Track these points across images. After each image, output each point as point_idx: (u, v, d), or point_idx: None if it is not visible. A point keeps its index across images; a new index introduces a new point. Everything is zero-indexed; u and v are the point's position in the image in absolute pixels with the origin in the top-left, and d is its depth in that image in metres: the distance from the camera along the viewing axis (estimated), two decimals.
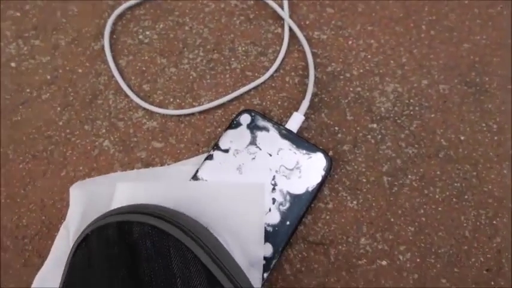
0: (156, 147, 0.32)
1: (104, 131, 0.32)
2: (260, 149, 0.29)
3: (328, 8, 0.36)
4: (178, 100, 0.33)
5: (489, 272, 0.27)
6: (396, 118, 0.32)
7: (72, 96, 0.34)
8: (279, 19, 0.36)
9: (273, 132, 0.30)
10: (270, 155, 0.29)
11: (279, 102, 0.33)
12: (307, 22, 0.36)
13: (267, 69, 0.34)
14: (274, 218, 0.27)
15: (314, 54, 0.34)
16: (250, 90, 0.33)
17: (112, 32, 0.36)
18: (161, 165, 0.31)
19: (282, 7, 0.36)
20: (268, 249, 0.27)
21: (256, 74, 0.34)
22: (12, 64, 0.35)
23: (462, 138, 0.31)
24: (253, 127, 0.30)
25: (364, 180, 0.30)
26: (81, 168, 0.31)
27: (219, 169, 0.29)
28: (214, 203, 0.27)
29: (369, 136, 0.31)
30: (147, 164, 0.31)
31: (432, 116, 0.32)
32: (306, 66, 0.34)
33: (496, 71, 0.33)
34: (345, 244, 0.28)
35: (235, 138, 0.30)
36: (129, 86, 0.34)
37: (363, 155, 0.31)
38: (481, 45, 0.34)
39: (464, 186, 0.29)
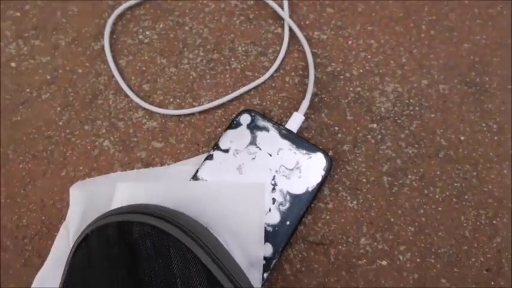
0: (156, 147, 0.32)
1: (104, 131, 0.32)
2: (260, 149, 0.29)
3: (328, 8, 0.36)
4: (178, 100, 0.33)
5: (489, 272, 0.27)
6: (396, 118, 0.32)
7: (72, 96, 0.34)
8: (279, 19, 0.36)
9: (273, 132, 0.30)
10: (270, 155, 0.29)
11: (279, 102, 0.33)
12: (307, 22, 0.36)
13: (267, 69, 0.34)
14: (274, 218, 0.28)
15: (314, 54, 0.34)
16: (250, 90, 0.33)
17: (112, 32, 0.36)
18: (161, 165, 0.31)
19: (282, 7, 0.36)
20: (268, 249, 0.27)
21: (256, 74, 0.34)
22: (12, 64, 0.35)
23: (462, 138, 0.31)
24: (253, 127, 0.30)
25: (364, 180, 0.30)
26: (81, 168, 0.31)
27: (219, 169, 0.29)
28: (214, 202, 0.27)
29: (369, 136, 0.31)
30: (147, 164, 0.31)
31: (432, 116, 0.32)
32: (306, 66, 0.34)
33: (496, 71, 0.33)
34: (345, 244, 0.28)
35: (235, 138, 0.30)
36: (129, 86, 0.34)
37: (363, 155, 0.31)
38: (481, 45, 0.34)
39: (464, 186, 0.29)
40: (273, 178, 0.28)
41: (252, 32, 0.36)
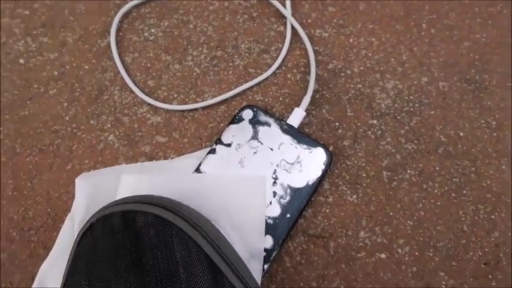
0: (160, 141, 0.32)
1: (109, 125, 0.33)
2: (262, 144, 0.30)
3: (329, 6, 0.37)
4: (182, 96, 0.34)
5: (487, 266, 0.27)
6: (396, 114, 0.32)
7: (79, 91, 0.35)
8: (282, 17, 0.36)
9: (275, 127, 0.30)
10: (272, 150, 0.30)
11: (281, 99, 0.33)
12: (309, 20, 0.36)
13: (270, 66, 0.35)
14: (275, 210, 0.28)
15: (316, 52, 0.35)
16: (252, 87, 0.34)
17: (118, 30, 0.37)
18: (165, 159, 0.32)
19: (284, 6, 0.36)
20: (268, 241, 0.27)
21: (258, 71, 0.34)
22: (21, 61, 0.36)
23: (461, 134, 0.31)
24: (255, 122, 0.31)
25: (364, 174, 0.30)
26: (86, 161, 0.32)
27: (221, 163, 0.30)
28: (217, 195, 0.28)
29: (369, 132, 0.32)
30: (151, 158, 0.32)
31: (432, 112, 0.32)
32: (308, 63, 0.34)
33: (495, 69, 0.33)
34: (345, 237, 0.29)
35: (237, 133, 0.30)
36: (134, 82, 0.35)
37: (363, 150, 0.31)
38: (481, 44, 0.35)
39: (463, 182, 0.30)
40: (274, 172, 0.29)
41: (255, 30, 0.36)
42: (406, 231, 0.29)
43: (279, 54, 0.35)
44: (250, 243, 0.27)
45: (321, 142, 0.31)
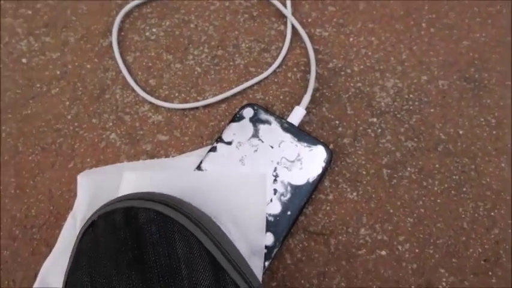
0: (161, 140, 0.33)
1: (110, 124, 0.33)
2: (262, 142, 0.30)
3: (330, 6, 0.37)
4: (183, 95, 0.34)
5: (487, 263, 0.28)
6: (396, 112, 0.32)
7: (81, 90, 0.35)
8: (282, 17, 0.37)
9: (275, 126, 0.31)
10: (272, 147, 0.30)
11: (281, 97, 0.33)
12: (310, 20, 0.36)
13: (270, 65, 0.35)
14: (276, 208, 0.28)
15: (316, 51, 0.35)
16: (253, 85, 0.34)
17: (120, 29, 0.37)
18: (166, 158, 0.32)
19: (285, 5, 0.36)
20: (269, 239, 0.27)
21: (259, 70, 0.35)
22: (23, 60, 0.36)
23: (461, 132, 0.31)
24: (255, 120, 0.31)
25: (364, 172, 0.30)
26: (88, 160, 0.32)
27: (222, 161, 0.30)
28: (218, 192, 0.28)
29: (369, 130, 0.32)
30: (153, 156, 0.32)
31: (431, 110, 0.32)
32: (308, 62, 0.35)
33: (495, 68, 0.33)
34: (345, 234, 0.29)
35: (238, 131, 0.31)
36: (135, 81, 0.35)
37: (363, 148, 0.31)
38: (480, 43, 0.35)
39: (462, 179, 0.30)
40: (275, 169, 0.29)
41: (256, 30, 0.36)
42: (406, 228, 0.29)
43: (279, 53, 0.35)
44: (251, 241, 0.27)
45: (321, 140, 0.31)
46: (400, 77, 0.34)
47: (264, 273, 0.27)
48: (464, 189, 0.30)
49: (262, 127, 0.31)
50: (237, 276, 0.22)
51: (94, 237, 0.22)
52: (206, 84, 0.34)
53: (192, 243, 0.22)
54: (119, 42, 0.36)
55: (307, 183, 0.29)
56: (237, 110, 0.32)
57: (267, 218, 0.28)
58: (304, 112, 0.31)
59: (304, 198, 0.28)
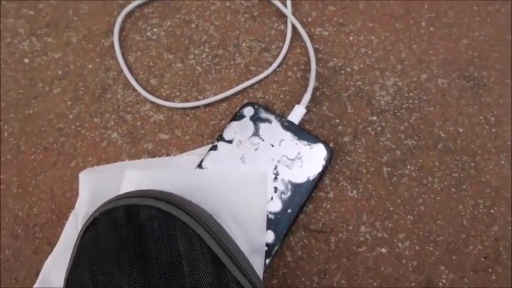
0: (162, 138, 0.33)
1: (112, 123, 0.34)
2: (263, 140, 0.30)
3: (330, 6, 0.37)
4: (184, 94, 0.34)
5: (487, 260, 0.28)
6: (396, 111, 0.32)
7: (83, 90, 0.35)
8: (282, 16, 0.37)
9: (275, 124, 0.31)
10: (272, 146, 0.30)
11: (282, 96, 0.34)
12: (310, 19, 0.37)
13: (270, 64, 0.35)
14: (276, 206, 0.28)
15: (316, 50, 0.35)
16: (253, 84, 0.34)
17: (121, 29, 0.37)
18: (167, 156, 0.32)
19: (285, 5, 0.37)
20: (270, 236, 0.28)
21: (259, 69, 0.35)
22: (26, 60, 0.37)
23: (460, 130, 0.32)
24: (256, 119, 0.31)
25: (364, 170, 0.31)
26: (90, 159, 0.32)
27: (222, 159, 0.30)
28: (219, 190, 0.28)
29: (369, 128, 0.32)
30: (154, 155, 0.32)
31: (431, 109, 0.32)
32: (308, 61, 0.35)
33: (494, 66, 0.34)
34: (345, 232, 0.29)
35: (238, 130, 0.31)
36: (137, 80, 0.35)
37: (363, 146, 0.31)
38: (480, 41, 0.35)
39: (462, 177, 0.30)
40: (275, 168, 0.29)
41: (256, 29, 0.37)
42: (407, 225, 0.29)
43: (279, 53, 0.35)
44: (251, 238, 0.27)
45: (321, 138, 0.32)
46: (400, 75, 0.34)
47: (264, 271, 0.27)
48: (464, 186, 0.30)
49: (262, 126, 0.31)
50: (238, 273, 0.22)
51: (96, 235, 0.23)
52: (207, 84, 0.35)
53: (193, 240, 0.22)
54: (120, 42, 0.37)
55: (308, 181, 0.29)
56: (238, 108, 0.32)
57: (267, 215, 0.28)
58: (304, 111, 0.31)
59: (304, 196, 0.28)
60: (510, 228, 0.28)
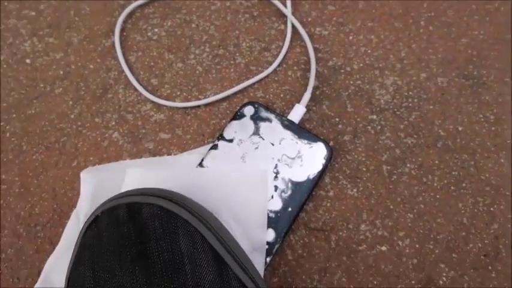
0: (163, 138, 0.33)
1: (113, 123, 0.34)
2: (263, 139, 0.30)
3: (329, 5, 0.37)
4: (184, 93, 0.35)
5: (486, 257, 0.28)
6: (395, 110, 0.33)
7: (84, 90, 0.35)
8: (282, 16, 0.37)
9: (276, 123, 0.31)
10: (273, 145, 0.30)
11: (282, 95, 0.34)
12: (309, 19, 0.37)
13: (270, 63, 0.35)
14: (277, 204, 0.28)
15: (316, 49, 0.35)
16: (254, 84, 0.34)
17: (122, 30, 0.38)
18: (168, 156, 0.32)
19: (285, 5, 0.37)
20: (270, 235, 0.28)
21: (259, 69, 0.35)
22: (27, 61, 0.37)
23: (460, 128, 0.32)
24: (256, 118, 0.31)
25: (364, 169, 0.31)
26: (91, 158, 0.33)
27: (223, 158, 0.30)
28: (219, 189, 0.28)
29: (369, 127, 0.32)
30: (155, 154, 0.32)
31: (431, 107, 0.33)
32: (308, 60, 0.35)
33: (493, 65, 0.34)
34: (346, 230, 0.29)
35: (239, 129, 0.31)
36: (138, 80, 0.35)
37: (363, 145, 0.32)
38: (479, 40, 0.35)
39: (462, 175, 0.30)
40: (276, 166, 0.30)
41: (256, 29, 0.37)
42: (407, 224, 0.29)
43: (279, 52, 0.35)
44: (252, 237, 0.27)
45: (322, 137, 0.32)
46: (400, 74, 0.34)
47: (265, 269, 0.27)
48: (464, 184, 0.30)
49: (263, 125, 0.31)
50: (240, 271, 0.22)
51: (97, 232, 0.23)
52: (207, 83, 0.35)
53: (195, 238, 0.22)
54: (121, 43, 0.37)
55: (308, 179, 0.29)
56: (238, 108, 0.32)
57: (268, 214, 0.28)
58: (304, 110, 0.31)
59: (304, 195, 0.29)
60: (510, 226, 0.29)
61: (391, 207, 0.30)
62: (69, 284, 0.22)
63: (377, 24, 0.36)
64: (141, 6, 0.39)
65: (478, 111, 0.32)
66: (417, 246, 0.28)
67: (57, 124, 0.34)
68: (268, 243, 0.27)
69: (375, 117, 0.32)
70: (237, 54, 0.36)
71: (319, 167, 0.29)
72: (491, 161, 0.30)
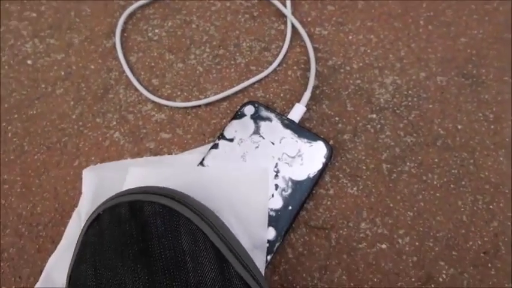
0: (164, 138, 0.33)
1: (114, 123, 0.34)
2: (263, 138, 0.31)
3: (329, 5, 0.38)
4: (185, 93, 0.35)
5: (486, 255, 0.28)
6: (395, 108, 0.33)
7: (85, 91, 0.35)
8: (282, 16, 0.37)
9: (276, 122, 0.31)
10: (273, 144, 0.30)
11: (282, 95, 0.34)
12: (309, 19, 0.37)
13: (271, 63, 0.35)
14: (277, 203, 0.29)
15: (315, 49, 0.35)
16: (254, 84, 0.35)
17: (123, 31, 0.38)
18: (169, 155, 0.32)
19: (284, 5, 0.37)
20: (271, 233, 0.28)
21: (260, 68, 0.35)
22: (29, 62, 0.37)
23: (459, 127, 0.32)
24: (256, 117, 0.31)
25: (364, 167, 0.31)
26: (93, 158, 0.33)
27: (224, 157, 0.30)
28: (220, 187, 0.28)
29: (369, 126, 0.32)
30: (156, 154, 0.32)
31: (430, 106, 0.33)
32: (308, 60, 0.35)
33: (492, 63, 0.34)
34: (346, 228, 0.29)
35: (239, 128, 0.31)
36: (138, 80, 0.35)
37: (363, 144, 0.32)
38: (478, 39, 0.35)
39: (461, 173, 0.30)
40: (276, 165, 0.30)
41: (256, 29, 0.37)
42: (406, 222, 0.29)
43: (279, 52, 0.36)
44: (253, 235, 0.27)
45: (322, 136, 0.32)
46: (399, 73, 0.34)
47: (266, 267, 0.27)
48: (463, 183, 0.30)
49: (263, 124, 0.31)
50: (241, 268, 0.22)
51: (99, 231, 0.23)
52: (208, 83, 0.35)
53: (197, 236, 0.22)
54: (122, 43, 0.37)
55: (308, 178, 0.29)
56: (238, 107, 0.33)
57: (268, 212, 0.28)
58: (304, 109, 0.32)
59: (305, 193, 0.29)
60: (509, 223, 0.29)
61: (391, 205, 0.30)
62: (71, 282, 0.22)
63: (376, 24, 0.36)
64: (141, 7, 0.39)
65: (477, 109, 0.32)
66: (417, 244, 0.29)
67: (59, 124, 0.34)
68: (268, 241, 0.28)
69: (374, 116, 0.33)
70: (237, 54, 0.36)
71: (319, 166, 0.29)
72: (491, 159, 0.31)
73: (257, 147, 0.30)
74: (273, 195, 0.29)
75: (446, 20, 0.36)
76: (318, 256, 0.29)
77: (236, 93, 0.34)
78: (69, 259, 0.27)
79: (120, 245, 0.21)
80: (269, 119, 0.31)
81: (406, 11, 0.37)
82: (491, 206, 0.29)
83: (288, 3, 0.37)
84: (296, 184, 0.29)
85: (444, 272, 0.28)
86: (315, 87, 0.34)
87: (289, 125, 0.31)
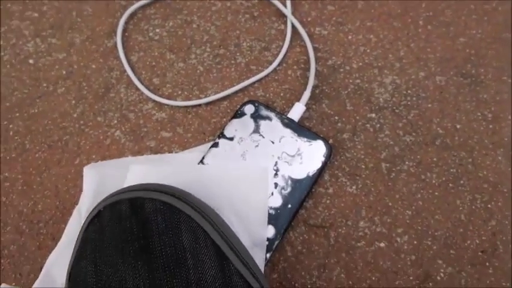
0: (164, 136, 0.33)
1: (115, 122, 0.34)
2: (263, 137, 0.31)
3: (329, 5, 0.38)
4: (186, 92, 0.35)
5: (484, 254, 0.28)
6: (394, 108, 0.33)
7: (86, 90, 0.36)
8: (282, 16, 0.38)
9: (276, 121, 0.31)
10: (273, 143, 0.31)
11: (282, 94, 0.34)
12: (309, 19, 0.37)
13: (271, 63, 0.36)
14: (277, 201, 0.29)
15: (315, 49, 0.36)
16: (254, 83, 0.35)
17: (124, 30, 0.38)
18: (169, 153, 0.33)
19: (285, 5, 0.37)
20: (270, 231, 0.28)
21: (260, 68, 0.36)
22: (30, 61, 0.37)
23: (458, 126, 0.32)
24: (256, 116, 0.32)
25: (363, 166, 0.31)
26: (93, 156, 0.33)
27: (224, 156, 0.30)
28: (221, 185, 0.29)
29: (368, 125, 0.32)
30: (156, 153, 0.33)
31: (429, 105, 0.33)
32: (308, 60, 0.35)
33: (491, 63, 0.34)
34: (345, 227, 0.29)
35: (239, 127, 0.31)
36: (139, 80, 0.36)
37: (362, 143, 0.32)
38: (477, 39, 0.35)
39: (460, 172, 0.31)
40: (276, 164, 0.30)
41: (256, 29, 0.37)
42: (405, 220, 0.29)
43: (279, 52, 0.36)
44: (253, 233, 0.27)
45: (321, 135, 0.32)
46: (398, 73, 0.34)
47: (265, 265, 0.27)
48: (462, 182, 0.30)
49: (263, 123, 0.31)
50: (241, 266, 0.22)
51: (99, 227, 0.23)
52: (208, 82, 0.35)
53: (197, 233, 0.22)
54: (123, 43, 0.37)
55: (307, 177, 0.29)
56: (239, 106, 0.33)
57: (268, 211, 0.28)
58: (304, 108, 0.32)
59: (304, 192, 0.29)
60: (507, 222, 0.29)
61: (390, 204, 0.30)
62: (71, 279, 0.22)
63: (376, 24, 0.37)
64: (142, 7, 0.39)
65: (476, 109, 0.33)
66: (415, 242, 0.29)
67: (60, 123, 0.34)
68: (268, 239, 0.28)
69: (374, 115, 0.33)
70: (238, 54, 0.36)
71: (319, 165, 0.30)
72: (489, 158, 0.31)
73: (257, 146, 0.31)
74: (272, 194, 0.29)
75: (446, 20, 0.36)
76: (317, 254, 0.29)
77: (236, 92, 0.34)
78: (70, 256, 0.27)
79: (120, 241, 0.22)
80: (269, 118, 0.31)
81: (405, 11, 0.37)
82: (489, 205, 0.29)
83: (288, 3, 0.37)
84: (295, 183, 0.29)
85: (442, 270, 0.28)
86: (314, 87, 0.34)
87: (289, 124, 0.31)
